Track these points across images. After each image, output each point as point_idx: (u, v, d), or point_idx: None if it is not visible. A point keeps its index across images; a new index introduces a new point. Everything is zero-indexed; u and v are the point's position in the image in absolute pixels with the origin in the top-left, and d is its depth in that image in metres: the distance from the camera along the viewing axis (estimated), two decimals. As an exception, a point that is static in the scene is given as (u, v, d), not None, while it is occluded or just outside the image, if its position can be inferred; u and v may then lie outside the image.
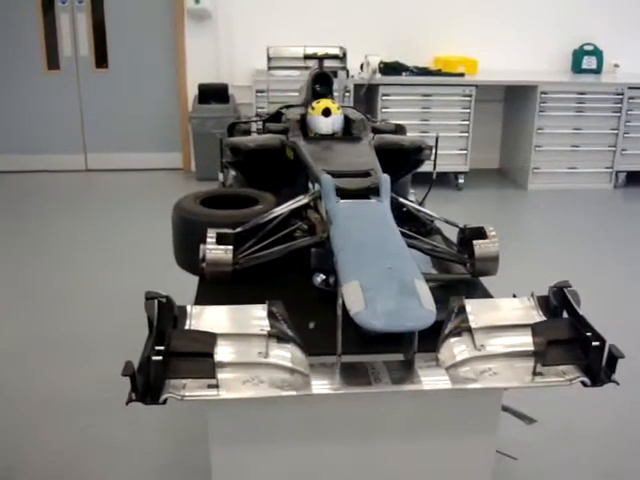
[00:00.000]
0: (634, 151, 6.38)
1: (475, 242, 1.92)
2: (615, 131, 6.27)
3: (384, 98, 5.96)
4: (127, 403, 1.35)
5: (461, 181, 6.30)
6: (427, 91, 6.04)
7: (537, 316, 1.67)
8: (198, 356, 1.42)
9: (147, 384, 1.38)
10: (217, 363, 1.43)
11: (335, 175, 1.82)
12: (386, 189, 1.78)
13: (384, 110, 5.92)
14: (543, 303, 1.70)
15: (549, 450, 2.75)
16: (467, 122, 6.12)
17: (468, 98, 6.06)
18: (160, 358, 1.37)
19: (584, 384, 1.54)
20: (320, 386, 1.45)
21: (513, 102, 6.63)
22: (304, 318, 1.74)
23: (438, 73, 6.17)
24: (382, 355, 1.63)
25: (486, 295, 1.90)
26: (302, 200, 1.94)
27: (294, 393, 1.43)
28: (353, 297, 1.35)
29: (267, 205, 2.12)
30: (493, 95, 6.64)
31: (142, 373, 1.37)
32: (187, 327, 1.54)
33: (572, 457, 2.72)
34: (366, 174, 1.90)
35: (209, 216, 2.03)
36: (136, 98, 6.57)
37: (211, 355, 1.42)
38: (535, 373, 1.54)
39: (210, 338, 1.46)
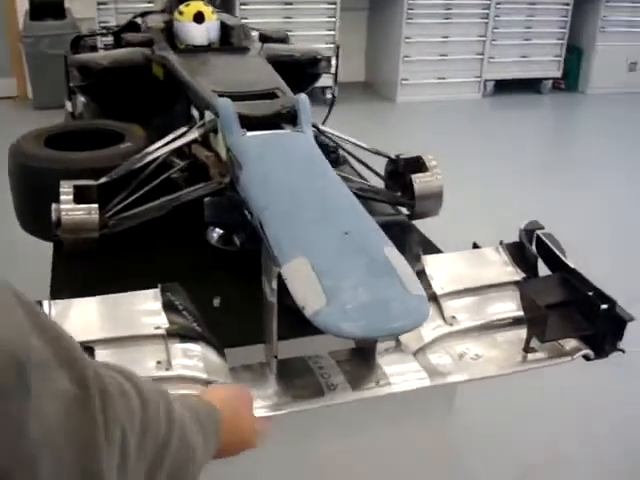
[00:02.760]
0: (501, 59, 6.20)
1: (414, 176, 1.51)
2: (483, 38, 6.04)
3: (242, 7, 5.36)
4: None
5: (329, 96, 5.86)
6: (289, -1, 5.50)
7: (515, 272, 1.29)
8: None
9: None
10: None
11: (233, 98, 1.34)
12: (306, 114, 1.32)
13: (243, 21, 5.31)
14: (515, 253, 1.33)
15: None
16: (332, 32, 5.66)
17: (333, 6, 5.58)
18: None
19: (587, 358, 1.19)
20: (256, 409, 1.01)
21: (379, 10, 6.21)
22: (204, 293, 1.28)
23: (299, -21, 5.62)
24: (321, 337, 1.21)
25: (428, 245, 1.51)
26: (188, 134, 1.44)
27: (218, 423, 0.98)
28: (305, 286, 0.90)
29: (136, 142, 1.60)
30: (358, 2, 6.19)
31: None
32: (45, 340, 1.03)
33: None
34: (271, 95, 1.43)
35: (60, 161, 1.49)
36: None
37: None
38: (528, 349, 1.17)
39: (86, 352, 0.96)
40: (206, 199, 1.46)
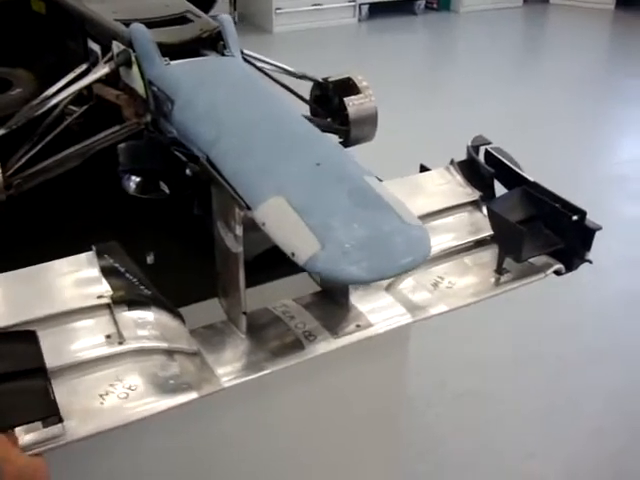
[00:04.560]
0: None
1: (347, 99, 1.39)
2: (353, -40, 5.91)
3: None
4: None
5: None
6: None
7: (471, 192, 1.21)
8: (15, 378, 0.78)
9: None
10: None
11: (145, 25, 1.16)
12: (232, 37, 1.17)
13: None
14: (467, 172, 1.25)
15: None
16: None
17: None
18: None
19: (557, 273, 1.14)
20: (233, 372, 0.89)
21: None
22: (134, 250, 1.12)
23: None
24: (277, 282, 1.10)
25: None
26: (94, 72, 1.25)
27: (195, 395, 0.85)
28: (289, 230, 0.78)
29: (27, 87, 1.39)
30: None
31: None
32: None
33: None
34: (184, 19, 1.26)
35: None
36: None
37: (41, 370, 0.79)
38: (501, 271, 1.10)
39: (28, 339, 0.81)
40: (120, 145, 1.29)
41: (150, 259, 1.16)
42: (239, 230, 0.85)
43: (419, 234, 0.81)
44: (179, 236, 1.22)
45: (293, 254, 0.76)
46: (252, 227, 0.86)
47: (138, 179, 1.33)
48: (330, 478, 1.31)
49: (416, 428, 2.19)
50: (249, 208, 0.82)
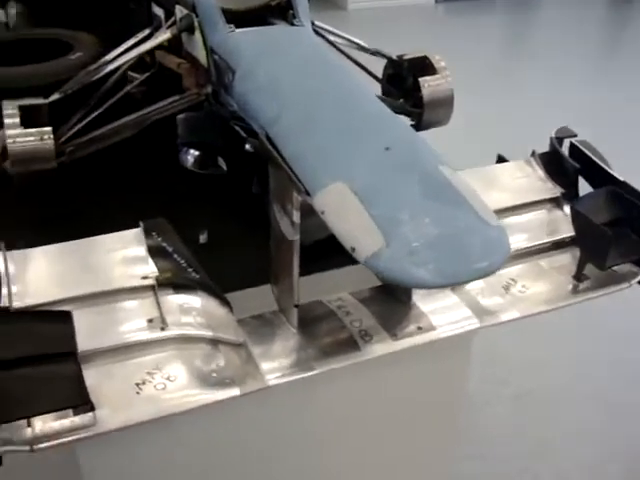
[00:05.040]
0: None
1: (422, 80, 1.29)
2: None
3: None
4: None
5: (275, 5, 5.50)
6: None
7: (553, 188, 1.11)
8: (46, 362, 0.72)
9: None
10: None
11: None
12: (303, 5, 1.08)
13: None
14: (550, 166, 1.14)
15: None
16: None
17: None
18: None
19: (642, 282, 1.03)
20: (280, 369, 0.82)
21: None
22: (186, 228, 1.06)
23: None
24: (333, 273, 1.02)
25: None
26: (155, 37, 1.19)
27: (237, 392, 0.78)
28: (351, 221, 0.70)
29: (88, 51, 1.34)
30: None
31: None
32: (6, 303, 0.81)
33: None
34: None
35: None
36: None
37: (72, 355, 0.73)
38: (580, 277, 1.00)
39: (62, 320, 0.75)
40: (180, 115, 1.23)
41: (203, 238, 1.10)
42: (296, 216, 0.77)
43: (498, 235, 0.72)
44: (235, 216, 1.15)
45: (353, 249, 0.68)
46: (311, 211, 0.79)
47: (196, 153, 1.27)
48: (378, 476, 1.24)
49: (471, 427, 2.10)
50: (308, 194, 0.74)
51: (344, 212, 0.70)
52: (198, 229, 1.09)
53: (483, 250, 0.69)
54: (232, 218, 1.15)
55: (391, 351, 0.86)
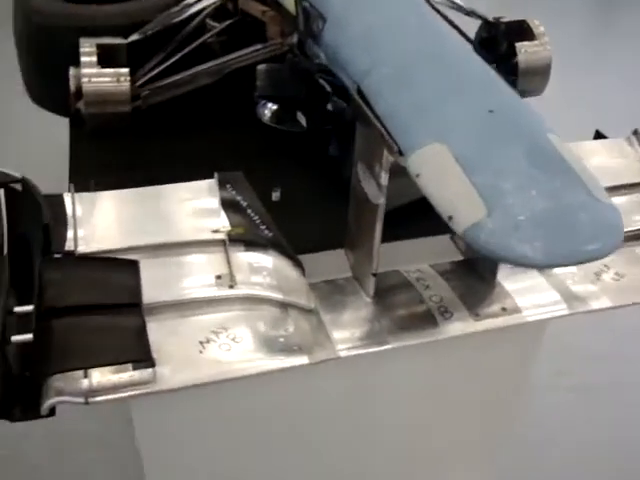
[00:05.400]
0: None
1: (519, 45, 1.20)
2: None
3: None
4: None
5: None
6: None
7: (657, 168, 1.02)
8: (109, 312, 0.68)
9: (8, 384, 0.64)
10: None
11: None
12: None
13: None
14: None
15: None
16: None
17: None
18: (29, 338, 0.63)
19: None
20: (351, 340, 0.77)
21: None
22: (260, 184, 1.01)
23: None
24: (413, 242, 0.95)
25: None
26: (241, -19, 1.13)
27: (305, 360, 0.74)
28: (450, 186, 0.63)
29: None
30: None
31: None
32: (71, 247, 0.78)
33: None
34: None
35: (80, 17, 1.18)
36: None
37: (137, 307, 0.69)
38: (682, 268, 0.92)
39: (129, 269, 0.71)
40: (260, 66, 1.17)
41: (276, 196, 1.05)
42: (384, 178, 0.71)
43: (611, 214, 0.64)
44: (310, 175, 1.09)
45: (451, 218, 0.62)
46: (396, 173, 0.72)
47: (274, 107, 1.21)
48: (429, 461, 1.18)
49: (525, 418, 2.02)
50: (401, 154, 0.67)
51: (443, 177, 0.64)
52: (271, 186, 1.04)
53: (595, 230, 0.62)
54: (307, 178, 1.10)
55: (472, 331, 0.80)
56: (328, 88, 0.97)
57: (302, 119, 1.13)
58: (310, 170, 1.11)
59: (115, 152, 1.12)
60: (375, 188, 0.73)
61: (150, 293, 0.73)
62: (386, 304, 0.82)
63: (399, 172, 0.72)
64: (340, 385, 0.81)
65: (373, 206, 0.74)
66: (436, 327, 0.79)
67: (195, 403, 0.81)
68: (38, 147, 2.19)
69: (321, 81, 0.98)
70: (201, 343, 0.73)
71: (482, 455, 1.23)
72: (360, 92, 0.76)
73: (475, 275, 0.87)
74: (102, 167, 1.08)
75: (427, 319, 0.80)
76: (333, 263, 0.91)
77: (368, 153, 0.75)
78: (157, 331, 0.71)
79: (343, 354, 0.75)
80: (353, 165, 0.81)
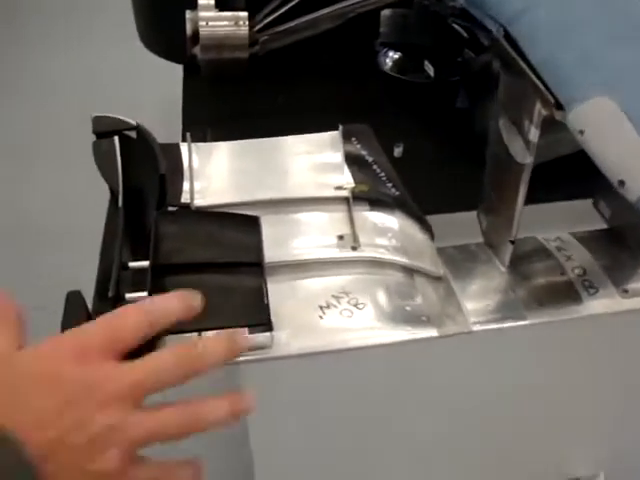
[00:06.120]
0: None
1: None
2: None
3: None
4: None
5: None
6: None
7: None
8: (228, 272, 0.64)
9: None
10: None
11: None
12: None
13: None
14: None
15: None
16: None
17: None
18: (144, 296, 0.59)
19: None
20: (484, 313, 0.70)
21: None
22: (380, 138, 0.93)
23: None
24: (549, 207, 0.87)
25: None
26: None
27: (434, 333, 0.67)
28: (621, 146, 0.55)
29: None
30: None
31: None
32: (187, 199, 0.74)
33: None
34: None
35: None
36: None
37: (258, 267, 0.65)
38: None
39: (249, 226, 0.67)
40: (385, 11, 1.09)
41: (398, 152, 0.98)
42: (534, 134, 0.63)
43: None
44: (435, 131, 1.02)
45: (622, 182, 0.53)
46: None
47: (397, 55, 1.14)
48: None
49: None
50: (560, 107, 0.59)
51: (612, 134, 0.55)
52: (393, 141, 0.97)
53: None
54: (431, 132, 1.02)
55: (620, 310, 0.71)
56: (464, 33, 0.88)
57: (429, 69, 1.05)
58: (435, 124, 1.03)
59: (231, 101, 1.07)
60: (522, 146, 0.65)
61: (267, 252, 0.68)
62: (522, 275, 0.74)
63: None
64: (469, 361, 0.74)
65: (518, 166, 0.66)
66: (580, 303, 0.71)
67: (310, 371, 0.76)
68: (150, 95, 2.19)
69: (455, 26, 0.89)
70: (321, 308, 0.68)
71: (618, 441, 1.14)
72: (508, 37, 0.67)
73: (622, 247, 0.78)
74: (217, 116, 1.04)
75: (569, 294, 0.72)
76: (461, 227, 0.84)
77: (515, 107, 0.66)
78: (276, 293, 0.66)
79: (476, 328, 0.68)
80: (492, 120, 0.73)
